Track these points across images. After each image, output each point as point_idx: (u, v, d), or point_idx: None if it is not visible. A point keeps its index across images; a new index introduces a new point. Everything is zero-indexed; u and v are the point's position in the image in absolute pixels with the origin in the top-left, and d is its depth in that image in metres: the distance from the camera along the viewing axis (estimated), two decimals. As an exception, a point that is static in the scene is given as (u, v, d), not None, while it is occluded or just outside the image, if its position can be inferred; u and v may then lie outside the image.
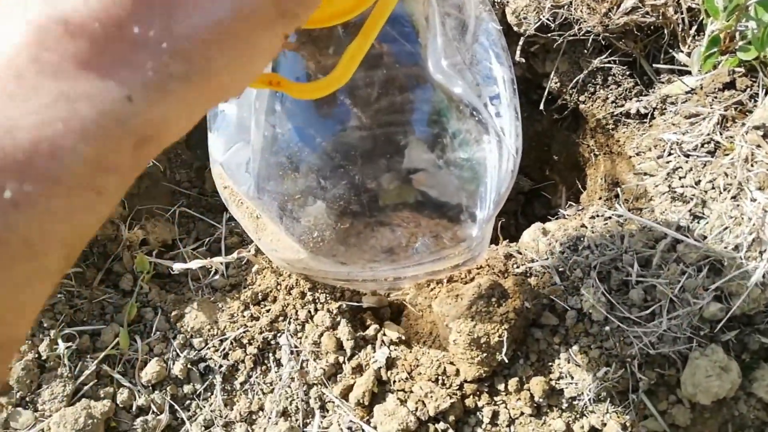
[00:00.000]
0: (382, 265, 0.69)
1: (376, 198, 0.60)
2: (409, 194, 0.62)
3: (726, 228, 0.68)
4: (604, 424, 0.71)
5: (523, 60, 0.89)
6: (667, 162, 0.74)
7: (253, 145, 0.60)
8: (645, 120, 0.82)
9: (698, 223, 0.70)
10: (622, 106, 0.84)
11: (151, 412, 0.69)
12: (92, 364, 0.68)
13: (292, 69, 0.54)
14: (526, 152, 1.00)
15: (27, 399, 0.66)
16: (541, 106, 0.91)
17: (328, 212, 0.60)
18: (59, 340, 0.67)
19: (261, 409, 0.72)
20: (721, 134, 0.71)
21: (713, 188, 0.70)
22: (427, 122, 0.59)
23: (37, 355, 0.67)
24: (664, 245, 0.70)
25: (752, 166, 0.69)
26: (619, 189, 0.81)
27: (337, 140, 0.56)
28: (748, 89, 0.70)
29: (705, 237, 0.69)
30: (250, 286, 0.78)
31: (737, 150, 0.69)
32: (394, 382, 0.73)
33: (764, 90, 0.70)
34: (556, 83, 0.89)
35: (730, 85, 0.71)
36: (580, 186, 0.99)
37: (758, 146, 0.69)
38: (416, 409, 0.70)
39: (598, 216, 0.79)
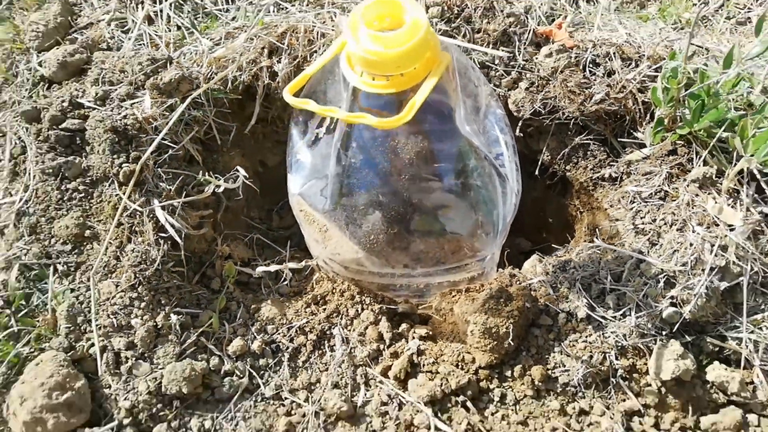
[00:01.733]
0: (416, 269, 0.92)
1: (419, 209, 0.84)
2: (441, 208, 0.86)
3: (675, 251, 0.91)
4: (591, 407, 0.89)
5: (522, 138, 1.17)
6: (632, 207, 0.99)
7: (331, 171, 0.85)
8: (616, 182, 1.09)
9: (654, 248, 0.93)
10: (599, 172, 1.11)
11: (235, 375, 0.88)
12: (193, 336, 0.89)
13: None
14: (524, 217, 1.26)
15: (146, 354, 0.86)
16: (536, 172, 1.18)
17: (382, 220, 0.84)
18: (172, 315, 0.88)
19: (318, 381, 0.91)
20: (669, 186, 0.96)
21: (665, 224, 0.94)
22: (457, 160, 0.84)
23: (154, 324, 0.88)
24: (630, 264, 0.93)
25: (693, 208, 0.94)
26: (597, 230, 1.05)
27: (393, 167, 0.81)
28: (686, 155, 0.97)
29: (660, 257, 0.92)
30: (310, 291, 1.00)
31: (681, 197, 0.95)
32: (424, 365, 0.92)
33: (697, 155, 0.97)
34: (547, 156, 1.17)
35: (673, 152, 0.98)
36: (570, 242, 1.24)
37: (696, 195, 0.94)
38: (441, 384, 0.89)
39: (582, 250, 1.03)
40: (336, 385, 0.90)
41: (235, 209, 1.11)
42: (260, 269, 0.96)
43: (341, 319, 0.96)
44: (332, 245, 0.92)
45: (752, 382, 0.90)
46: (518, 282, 0.99)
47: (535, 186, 1.29)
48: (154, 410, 0.83)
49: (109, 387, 0.83)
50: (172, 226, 0.91)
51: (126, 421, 0.82)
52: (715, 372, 0.89)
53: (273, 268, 0.96)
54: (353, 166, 0.85)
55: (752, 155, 0.84)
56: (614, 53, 1.11)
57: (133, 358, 0.85)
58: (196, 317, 0.92)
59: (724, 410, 0.88)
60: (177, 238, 0.91)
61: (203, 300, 0.95)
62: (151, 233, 0.91)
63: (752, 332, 0.91)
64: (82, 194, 0.92)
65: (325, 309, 0.97)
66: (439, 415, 0.87)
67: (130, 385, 0.83)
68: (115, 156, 0.92)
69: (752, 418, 0.88)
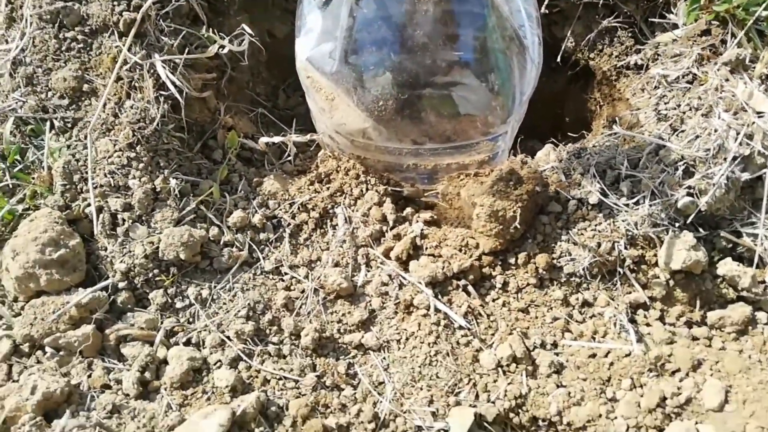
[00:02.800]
0: (425, 144, 0.87)
1: (432, 73, 0.79)
2: (456, 84, 0.80)
3: (698, 137, 0.86)
4: (595, 299, 0.87)
5: (546, 25, 1.09)
6: (656, 92, 0.93)
7: (342, 24, 0.79)
8: (641, 71, 1.02)
9: (676, 134, 0.88)
10: (624, 59, 1.04)
11: (234, 247, 0.87)
12: (192, 203, 0.87)
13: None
14: (541, 116, 1.19)
15: (143, 217, 0.84)
16: (559, 60, 1.11)
17: (393, 83, 0.79)
18: (171, 179, 0.86)
19: (318, 259, 0.89)
20: (698, 69, 0.90)
21: (690, 109, 0.89)
22: (477, 19, 0.78)
23: (153, 187, 0.85)
24: (649, 150, 0.88)
25: (721, 93, 0.88)
26: (617, 121, 1.00)
27: (408, 21, 0.75)
28: (720, 35, 0.90)
29: (681, 144, 0.87)
30: (314, 170, 0.96)
31: (710, 81, 0.89)
32: (426, 248, 0.90)
33: (732, 36, 0.90)
34: (571, 43, 1.10)
35: (707, 32, 0.91)
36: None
37: (726, 79, 0.88)
38: (443, 266, 0.87)
39: (599, 139, 0.98)
40: (337, 264, 0.89)
41: (240, 81, 1.05)
42: (264, 140, 0.93)
43: (345, 198, 0.94)
44: (339, 114, 0.87)
45: (764, 281, 0.87)
46: (529, 167, 0.95)
47: (555, 79, 1.22)
48: (150, 275, 0.81)
49: (105, 249, 0.82)
50: (173, 84, 0.87)
51: (121, 285, 0.81)
52: (727, 266, 0.86)
53: (277, 139, 0.92)
54: (365, 17, 0.78)
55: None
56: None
57: (130, 221, 0.83)
58: (196, 185, 0.89)
59: (732, 306, 0.86)
60: (178, 96, 0.86)
61: (204, 169, 0.92)
62: (151, 90, 0.86)
63: (769, 229, 0.88)
64: (81, 44, 0.87)
65: (329, 187, 0.94)
66: (440, 297, 0.86)
67: (126, 248, 0.82)
68: (115, 3, 0.86)
69: (761, 315, 0.86)
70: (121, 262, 0.81)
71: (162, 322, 0.78)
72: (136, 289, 0.82)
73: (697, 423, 0.72)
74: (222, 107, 0.96)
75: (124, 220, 0.83)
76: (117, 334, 0.75)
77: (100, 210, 0.82)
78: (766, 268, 0.87)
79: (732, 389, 0.75)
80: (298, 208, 0.92)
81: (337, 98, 0.86)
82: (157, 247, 0.82)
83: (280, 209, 0.92)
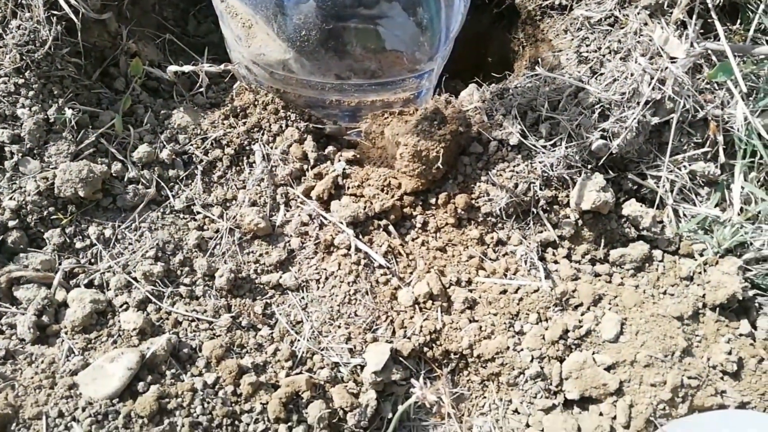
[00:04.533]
0: (350, 80, 0.84)
1: (358, 4, 0.74)
2: (382, 17, 0.77)
3: (615, 80, 0.88)
4: (509, 238, 0.89)
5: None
6: (578, 34, 0.94)
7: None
8: (565, 12, 1.02)
9: (595, 77, 0.90)
10: None
11: (140, 184, 0.81)
12: (92, 136, 0.79)
13: None
14: (464, 56, 1.17)
15: (35, 151, 0.76)
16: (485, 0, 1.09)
17: (316, 11, 0.74)
18: (66, 109, 0.78)
19: (234, 198, 0.85)
20: (620, 12, 0.91)
21: (610, 52, 0.90)
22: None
23: (45, 117, 0.77)
24: (568, 92, 0.89)
25: (639, 37, 0.89)
26: (539, 62, 1.00)
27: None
28: (642, -21, 0.91)
29: (600, 87, 0.88)
30: (229, 103, 0.90)
31: (630, 24, 0.90)
32: (348, 187, 0.88)
33: (653, -19, 0.91)
34: (497, -20, 1.07)
35: (630, -24, 0.92)
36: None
37: (645, 23, 0.90)
38: (365, 206, 0.86)
39: (522, 80, 0.98)
40: (254, 203, 0.85)
41: (145, 4, 0.96)
42: (172, 68, 0.86)
43: (263, 134, 0.89)
44: (257, 44, 0.82)
45: (662, 221, 0.92)
46: (454, 107, 0.94)
47: (480, 18, 1.20)
48: (45, 213, 0.75)
49: (-8, 185, 0.74)
50: (68, 3, 0.77)
51: (12, 223, 0.74)
52: (631, 207, 0.90)
53: (187, 68, 0.86)
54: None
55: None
56: None
57: (20, 154, 0.75)
58: (95, 117, 0.82)
59: (633, 244, 0.91)
60: (73, 17, 0.78)
61: (104, 99, 0.85)
62: (41, 9, 0.77)
63: (671, 172, 0.92)
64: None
65: (245, 122, 0.89)
66: (361, 236, 0.85)
67: (16, 183, 0.74)
68: None
69: (657, 253, 0.91)
70: (11, 198, 0.74)
71: (60, 263, 0.72)
72: (29, 228, 0.75)
73: (594, 353, 0.77)
74: (124, 31, 0.87)
75: (12, 153, 0.75)
76: (9, 276, 0.69)
77: (-18, 141, 0.74)
78: (665, 209, 0.92)
79: (627, 321, 0.80)
80: (212, 144, 0.87)
81: (255, 25, 0.80)
82: (52, 183, 0.75)
83: (191, 144, 0.86)
